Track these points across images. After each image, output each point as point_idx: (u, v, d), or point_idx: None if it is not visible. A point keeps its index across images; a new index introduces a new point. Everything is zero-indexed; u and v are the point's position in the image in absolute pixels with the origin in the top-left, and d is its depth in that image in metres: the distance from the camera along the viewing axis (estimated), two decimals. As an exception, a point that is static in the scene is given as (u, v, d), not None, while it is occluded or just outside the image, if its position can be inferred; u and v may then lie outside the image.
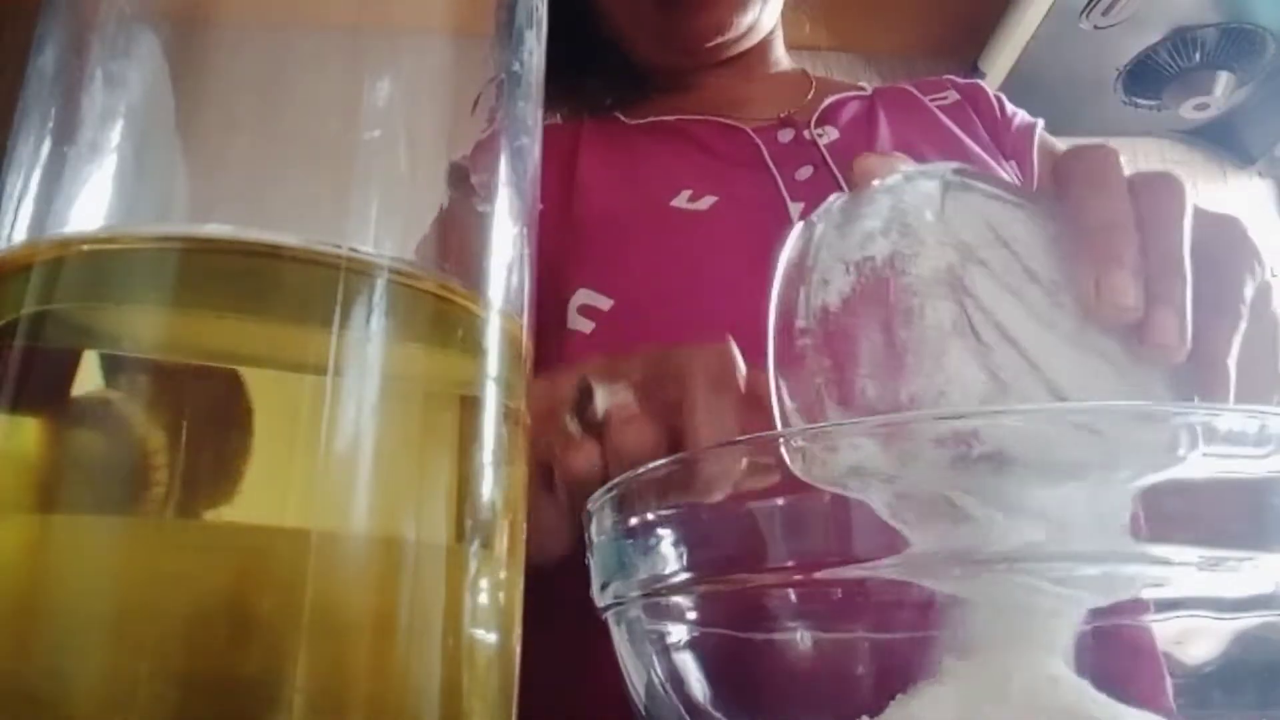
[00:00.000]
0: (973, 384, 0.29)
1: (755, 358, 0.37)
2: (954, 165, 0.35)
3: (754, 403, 0.37)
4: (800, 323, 0.32)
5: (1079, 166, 0.32)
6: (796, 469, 0.24)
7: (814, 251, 0.34)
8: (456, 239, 0.21)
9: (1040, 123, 0.76)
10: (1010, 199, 0.32)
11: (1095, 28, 1.51)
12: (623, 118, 0.75)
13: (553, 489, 0.41)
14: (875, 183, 0.35)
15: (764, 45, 0.77)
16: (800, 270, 0.34)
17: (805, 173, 0.66)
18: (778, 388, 0.33)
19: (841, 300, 0.32)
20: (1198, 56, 1.55)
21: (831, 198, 0.36)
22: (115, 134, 0.19)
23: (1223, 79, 1.58)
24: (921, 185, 0.33)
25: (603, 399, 0.39)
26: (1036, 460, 0.22)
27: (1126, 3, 1.45)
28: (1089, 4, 1.47)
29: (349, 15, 0.21)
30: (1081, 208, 0.31)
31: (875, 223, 0.33)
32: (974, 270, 0.30)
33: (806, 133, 0.70)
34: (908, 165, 0.35)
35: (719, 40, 0.71)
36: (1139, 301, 0.29)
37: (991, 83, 1.46)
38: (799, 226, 0.36)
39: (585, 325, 0.60)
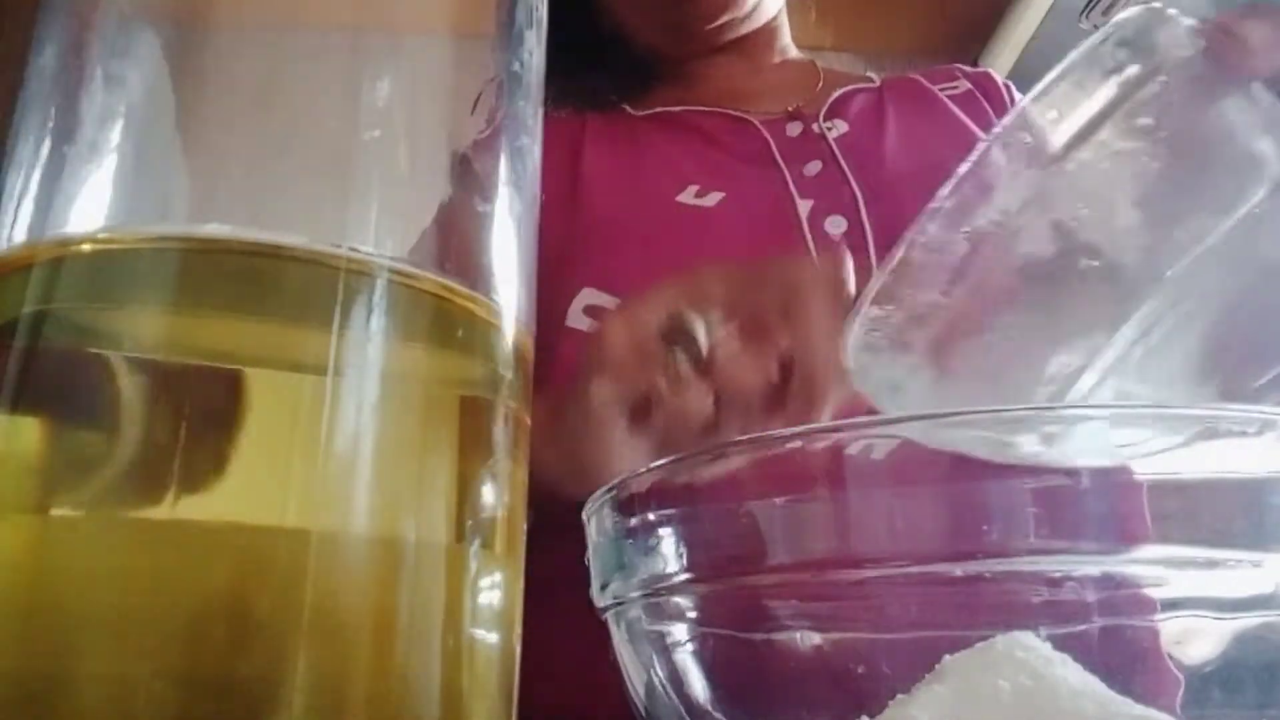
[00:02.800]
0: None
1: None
2: None
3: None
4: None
5: None
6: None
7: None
8: (456, 238, 0.21)
9: None
10: None
11: (1095, 27, 1.50)
12: (628, 108, 0.75)
13: (640, 429, 0.39)
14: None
15: (769, 31, 0.76)
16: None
17: (814, 168, 0.66)
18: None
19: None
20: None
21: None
22: (115, 134, 0.19)
23: (1223, 79, 1.58)
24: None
25: (704, 334, 0.37)
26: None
27: (1126, 3, 1.45)
28: (1089, 4, 1.47)
29: (349, 15, 0.21)
30: None
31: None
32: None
33: (815, 126, 0.69)
34: None
35: (723, 20, 0.70)
36: None
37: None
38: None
39: (590, 325, 0.60)
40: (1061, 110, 0.30)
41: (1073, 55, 0.31)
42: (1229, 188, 0.27)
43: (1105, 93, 0.29)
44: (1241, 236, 0.26)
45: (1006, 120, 0.31)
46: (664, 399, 0.37)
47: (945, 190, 0.30)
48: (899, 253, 0.31)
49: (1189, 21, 0.29)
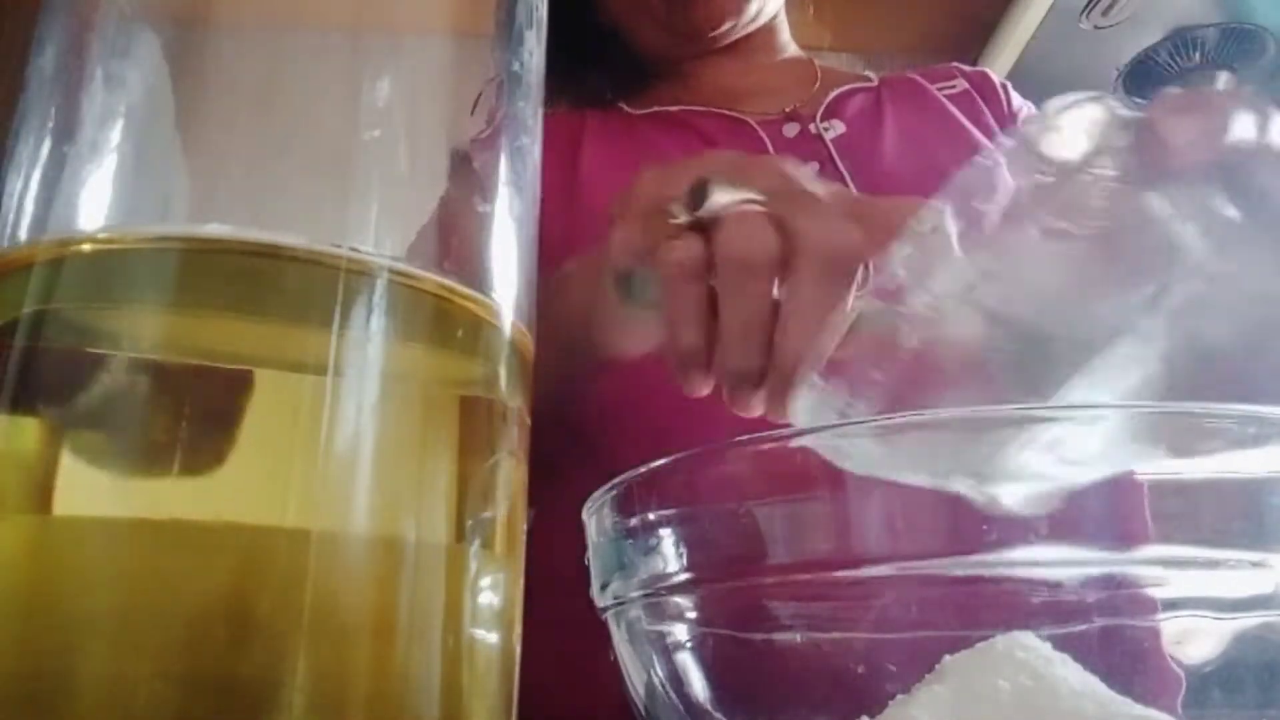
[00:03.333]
0: None
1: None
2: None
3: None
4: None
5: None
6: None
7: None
8: (456, 238, 0.21)
9: None
10: None
11: (1095, 28, 1.50)
12: (626, 107, 0.75)
13: (631, 296, 0.39)
14: None
15: (768, 31, 0.76)
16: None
17: (811, 170, 0.66)
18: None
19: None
20: (1198, 56, 1.54)
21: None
22: (115, 134, 0.19)
23: (1223, 79, 1.58)
24: None
25: (722, 196, 0.35)
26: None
27: (1126, 3, 1.45)
28: (1089, 4, 1.47)
29: (349, 15, 0.21)
30: None
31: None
32: None
33: (813, 127, 0.69)
34: None
35: (724, 28, 0.71)
36: None
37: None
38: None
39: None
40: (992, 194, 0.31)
41: (1009, 139, 0.32)
42: (1146, 273, 0.28)
43: (1035, 179, 0.30)
44: (1161, 318, 0.27)
45: (944, 197, 0.31)
46: (654, 252, 0.36)
47: (885, 267, 0.31)
48: (844, 326, 0.31)
49: (1125, 114, 0.31)
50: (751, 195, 0.35)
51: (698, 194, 0.35)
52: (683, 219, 0.35)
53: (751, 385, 0.36)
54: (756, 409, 0.36)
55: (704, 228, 0.35)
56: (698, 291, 0.36)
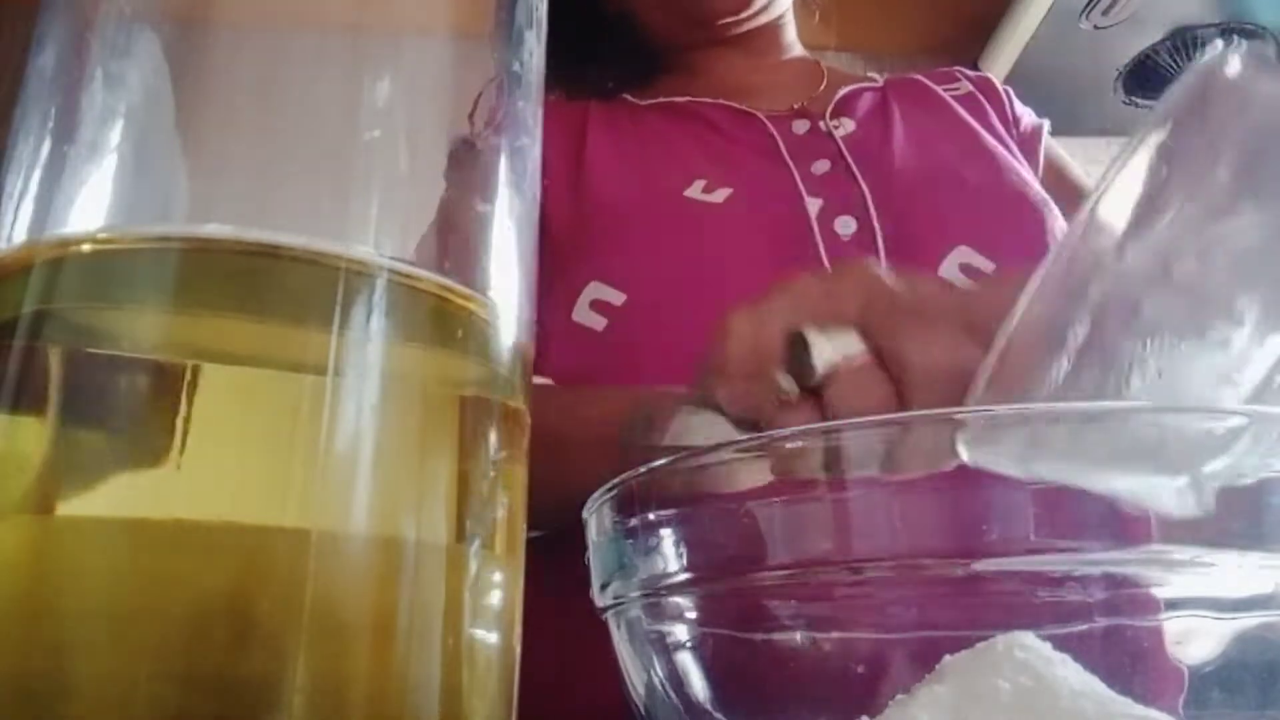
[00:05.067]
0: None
1: None
2: None
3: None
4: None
5: None
6: None
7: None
8: (456, 238, 0.21)
9: (1046, 124, 0.76)
10: None
11: (1095, 28, 1.50)
12: (630, 98, 0.75)
13: None
14: None
15: (776, 28, 0.76)
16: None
17: (822, 167, 0.65)
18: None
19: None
20: (1198, 56, 1.54)
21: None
22: (115, 134, 0.19)
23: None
24: None
25: (823, 353, 0.32)
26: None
27: (1126, 3, 1.45)
28: (1089, 4, 1.47)
29: (349, 15, 0.21)
30: None
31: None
32: None
33: (822, 124, 0.69)
34: None
35: (734, 18, 0.71)
36: None
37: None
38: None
39: (597, 322, 0.59)
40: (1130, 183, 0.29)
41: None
42: None
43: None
44: None
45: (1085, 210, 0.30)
46: (767, 419, 0.33)
47: (1037, 279, 0.29)
48: (999, 343, 0.29)
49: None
50: (852, 339, 0.33)
51: (798, 354, 0.32)
52: (787, 384, 0.33)
53: None
54: None
55: (814, 390, 0.33)
56: None
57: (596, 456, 0.41)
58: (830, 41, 0.88)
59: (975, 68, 1.63)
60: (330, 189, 0.20)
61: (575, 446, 0.43)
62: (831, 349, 0.33)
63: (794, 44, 0.79)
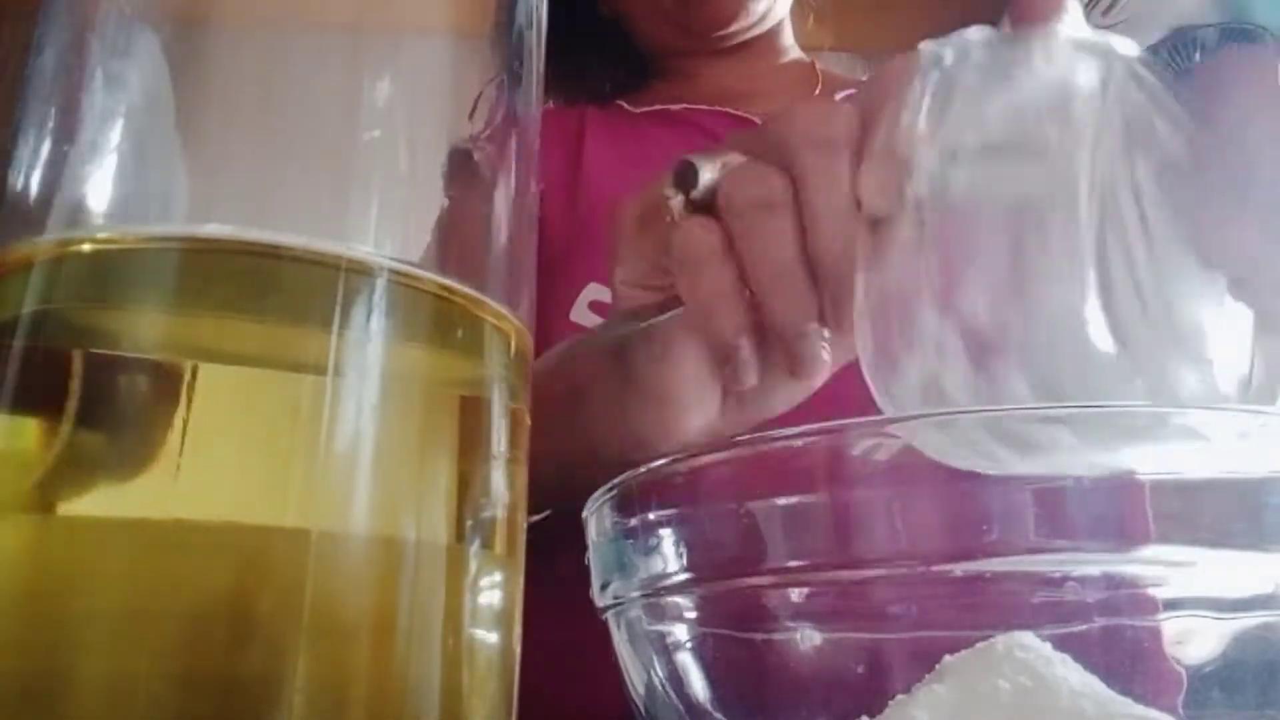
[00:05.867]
0: (1086, 326, 0.25)
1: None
2: (1121, 44, 0.29)
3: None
4: (915, 192, 0.27)
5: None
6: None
7: (940, 105, 0.28)
8: (456, 238, 0.21)
9: None
10: (1171, 108, 0.28)
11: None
12: (626, 105, 0.75)
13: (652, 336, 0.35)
14: (1035, 31, 0.28)
15: (773, 33, 0.76)
16: (919, 123, 0.28)
17: None
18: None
19: (969, 187, 0.27)
20: (1198, 56, 1.54)
21: (972, 31, 0.30)
22: (115, 134, 0.19)
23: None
24: (1088, 62, 0.28)
25: (709, 170, 0.32)
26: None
27: (1126, 3, 1.45)
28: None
29: (349, 15, 0.21)
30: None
31: (1028, 94, 0.27)
32: (1123, 192, 0.26)
33: None
34: (1073, 15, 0.29)
35: (730, 28, 0.71)
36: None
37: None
38: (924, 54, 0.30)
39: (596, 322, 0.59)
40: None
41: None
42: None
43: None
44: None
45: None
46: (668, 248, 0.33)
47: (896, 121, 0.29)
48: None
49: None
50: (736, 156, 0.33)
51: (686, 174, 0.32)
52: (678, 205, 0.32)
53: (808, 328, 0.31)
54: (823, 359, 0.32)
55: (706, 207, 0.32)
56: (721, 271, 0.32)
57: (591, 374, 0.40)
58: (826, 42, 0.88)
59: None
60: (330, 189, 0.20)
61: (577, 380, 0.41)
62: (716, 166, 0.32)
63: (790, 48, 0.79)
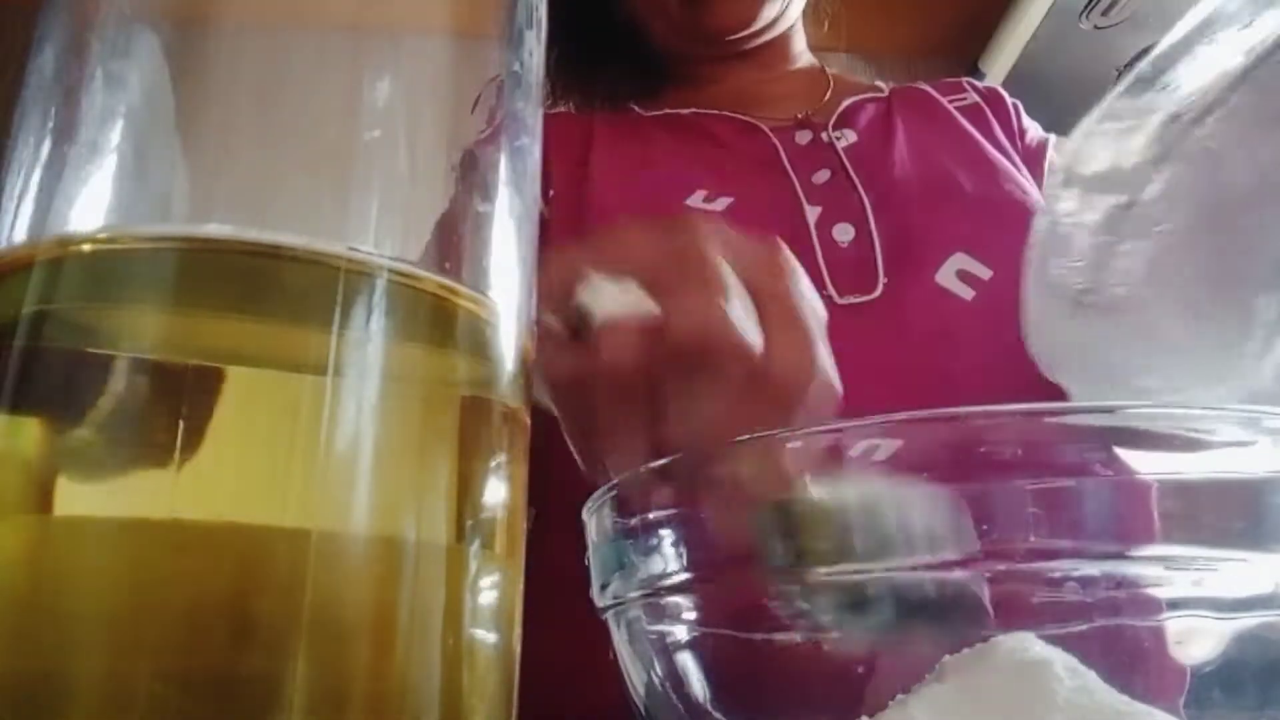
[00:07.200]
0: None
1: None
2: None
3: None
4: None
5: None
6: None
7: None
8: (457, 238, 0.21)
9: (1052, 139, 0.76)
10: None
11: (1095, 28, 1.51)
12: (637, 108, 0.75)
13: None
14: None
15: (785, 39, 0.76)
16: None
17: (822, 176, 0.66)
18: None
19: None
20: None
21: None
22: (115, 134, 0.19)
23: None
24: None
25: (603, 301, 0.33)
26: None
27: (1126, 3, 1.45)
28: (1089, 4, 1.47)
29: (349, 15, 0.21)
30: None
31: None
32: None
33: (824, 135, 0.69)
34: None
35: (743, 34, 0.71)
36: None
37: (991, 83, 1.48)
38: None
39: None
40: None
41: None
42: None
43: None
44: None
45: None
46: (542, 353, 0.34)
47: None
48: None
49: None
50: (629, 288, 0.34)
51: (586, 299, 0.34)
52: (550, 320, 0.34)
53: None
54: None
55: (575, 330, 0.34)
56: (589, 404, 0.34)
57: None
58: (838, 45, 0.88)
59: (975, 68, 1.64)
60: (330, 189, 0.20)
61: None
62: (614, 299, 0.33)
63: (802, 53, 0.79)
